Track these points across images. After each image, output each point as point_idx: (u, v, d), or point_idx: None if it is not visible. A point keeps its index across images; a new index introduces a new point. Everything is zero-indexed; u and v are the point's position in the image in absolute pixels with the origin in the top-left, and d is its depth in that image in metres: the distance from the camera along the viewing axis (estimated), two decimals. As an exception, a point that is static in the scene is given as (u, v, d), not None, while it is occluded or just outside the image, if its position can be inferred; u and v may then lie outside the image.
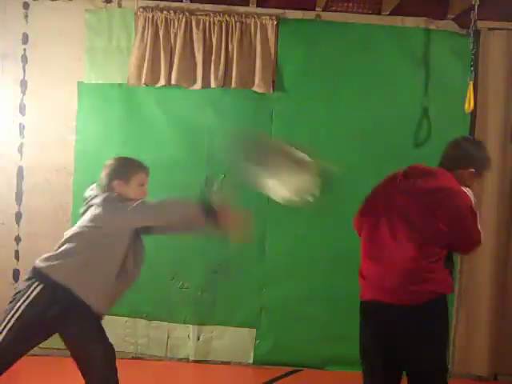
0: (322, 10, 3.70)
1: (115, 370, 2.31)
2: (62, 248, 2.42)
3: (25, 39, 3.72)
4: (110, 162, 2.55)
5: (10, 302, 2.26)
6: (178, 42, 3.61)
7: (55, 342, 3.76)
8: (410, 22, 3.70)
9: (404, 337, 2.15)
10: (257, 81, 3.63)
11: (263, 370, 3.55)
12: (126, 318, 3.75)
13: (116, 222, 2.30)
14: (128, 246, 2.27)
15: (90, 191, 2.51)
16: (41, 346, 3.71)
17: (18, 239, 3.76)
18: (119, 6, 3.71)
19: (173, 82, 3.62)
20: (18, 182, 3.75)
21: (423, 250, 2.14)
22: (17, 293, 2.27)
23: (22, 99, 3.74)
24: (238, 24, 3.62)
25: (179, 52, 3.60)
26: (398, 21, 3.71)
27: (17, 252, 3.76)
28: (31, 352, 3.75)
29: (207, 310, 3.74)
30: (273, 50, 3.66)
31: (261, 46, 3.62)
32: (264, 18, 3.63)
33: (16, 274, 3.76)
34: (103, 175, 2.50)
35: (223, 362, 3.71)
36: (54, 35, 3.71)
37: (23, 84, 3.73)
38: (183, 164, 3.72)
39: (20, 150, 3.75)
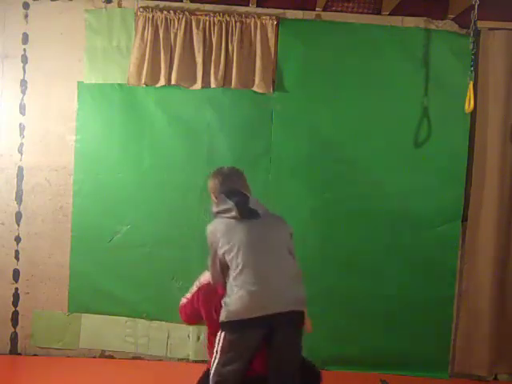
0: (322, 10, 3.71)
1: None
2: None
3: (25, 39, 3.72)
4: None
5: None
6: (178, 42, 3.61)
7: (55, 341, 3.79)
8: (410, 21, 3.70)
9: None
10: (257, 81, 3.63)
11: (263, 370, 3.54)
12: (125, 318, 3.76)
13: None
14: None
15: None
16: (41, 345, 3.76)
17: (18, 239, 3.76)
18: (119, 5, 3.71)
19: (173, 82, 3.61)
20: (18, 181, 3.76)
21: None
22: None
23: (22, 99, 3.74)
24: (238, 24, 3.62)
25: (179, 52, 3.60)
26: (398, 21, 3.71)
27: (17, 252, 3.76)
28: (31, 352, 3.79)
29: (207, 310, 3.74)
30: (273, 50, 3.66)
31: (261, 46, 3.62)
32: (264, 17, 3.63)
33: (16, 274, 3.77)
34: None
35: (223, 362, 3.70)
36: (54, 35, 3.71)
37: (23, 84, 3.73)
38: (183, 164, 3.72)
39: (20, 150, 3.75)
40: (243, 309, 2.39)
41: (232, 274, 2.45)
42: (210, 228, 2.57)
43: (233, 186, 2.60)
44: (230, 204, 2.49)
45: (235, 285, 2.43)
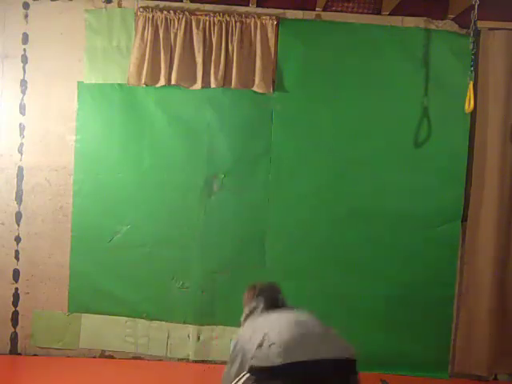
0: (322, 10, 3.71)
1: None
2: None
3: (25, 39, 3.72)
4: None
5: None
6: (178, 42, 3.61)
7: (55, 341, 3.79)
8: (410, 21, 3.70)
9: None
10: (257, 81, 3.63)
11: (263, 370, 3.54)
12: (125, 318, 3.76)
13: None
14: None
15: None
16: (41, 345, 3.76)
17: (18, 239, 3.76)
18: (119, 5, 3.71)
19: (173, 82, 3.61)
20: (18, 181, 3.76)
21: None
22: None
23: (22, 99, 3.74)
24: (238, 24, 3.62)
25: (179, 52, 3.60)
26: (398, 21, 3.71)
27: (17, 252, 3.76)
28: (31, 352, 3.79)
29: (207, 310, 3.74)
30: (273, 50, 3.66)
31: (261, 46, 3.62)
32: (264, 17, 3.63)
33: (16, 274, 3.77)
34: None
35: (223, 362, 3.65)
36: (54, 35, 3.71)
37: (23, 84, 3.73)
38: (183, 164, 3.72)
39: (20, 150, 3.75)
40: (279, 352, 2.00)
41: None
42: (236, 339, 2.27)
43: (266, 293, 2.52)
44: (258, 299, 2.45)
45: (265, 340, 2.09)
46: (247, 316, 2.46)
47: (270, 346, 2.03)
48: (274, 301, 2.44)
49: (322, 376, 1.99)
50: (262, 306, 2.42)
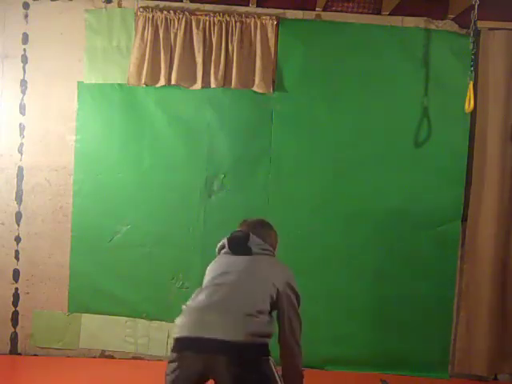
0: (322, 10, 3.71)
1: None
2: None
3: (25, 39, 3.72)
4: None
5: None
6: (178, 42, 3.61)
7: (55, 341, 3.79)
8: (410, 21, 3.70)
9: None
10: (257, 81, 3.63)
11: (263, 370, 3.54)
12: (125, 318, 3.76)
13: None
14: None
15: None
16: (41, 345, 3.76)
17: (18, 239, 3.76)
18: (119, 6, 3.71)
19: (173, 82, 3.62)
20: (18, 181, 3.76)
21: None
22: None
23: (22, 99, 3.74)
24: (238, 24, 3.62)
25: (179, 52, 3.60)
26: (398, 21, 3.71)
27: (17, 252, 3.76)
28: (31, 352, 3.79)
29: (207, 310, 3.74)
30: (273, 50, 3.66)
31: (261, 46, 3.62)
32: (264, 17, 3.63)
33: (16, 274, 3.77)
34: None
35: (223, 362, 3.71)
36: (54, 35, 3.71)
37: (23, 84, 3.73)
38: (183, 164, 3.72)
39: (20, 150, 3.75)
40: (183, 324, 2.22)
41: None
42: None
43: (244, 229, 2.52)
44: (224, 240, 2.48)
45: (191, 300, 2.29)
46: (218, 251, 2.53)
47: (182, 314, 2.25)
48: (236, 245, 2.42)
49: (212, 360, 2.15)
50: (226, 249, 2.45)
